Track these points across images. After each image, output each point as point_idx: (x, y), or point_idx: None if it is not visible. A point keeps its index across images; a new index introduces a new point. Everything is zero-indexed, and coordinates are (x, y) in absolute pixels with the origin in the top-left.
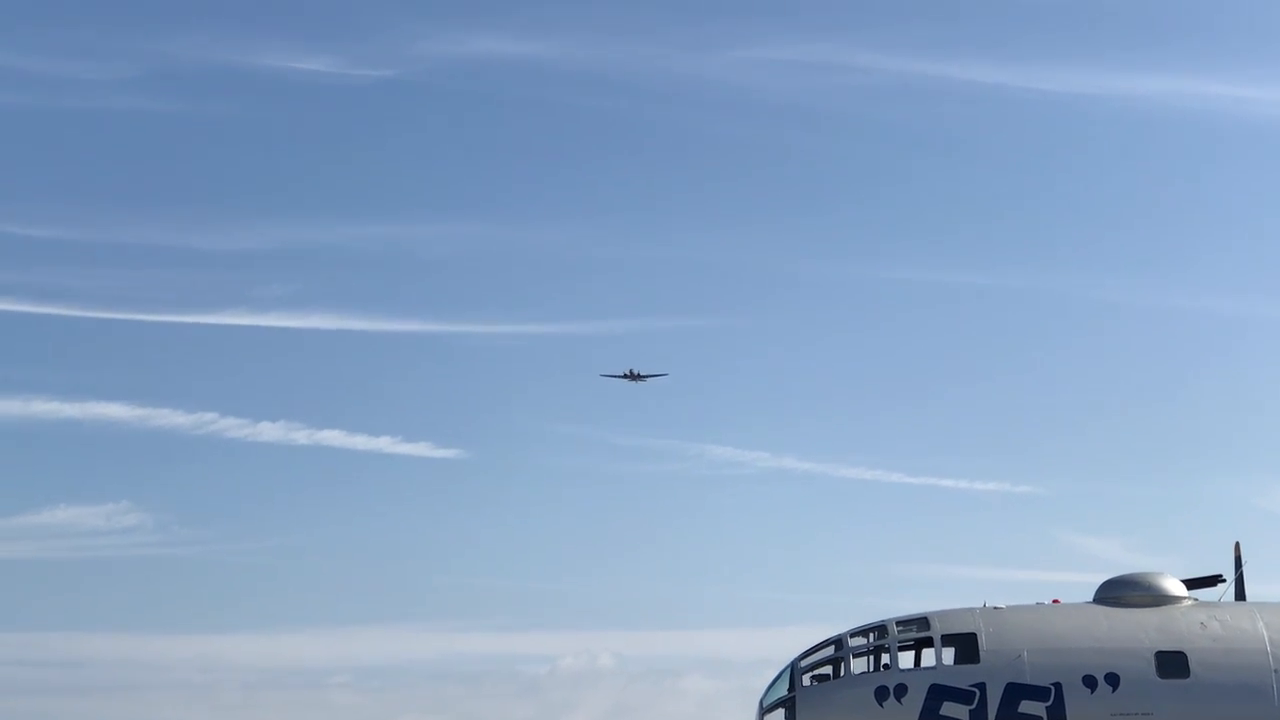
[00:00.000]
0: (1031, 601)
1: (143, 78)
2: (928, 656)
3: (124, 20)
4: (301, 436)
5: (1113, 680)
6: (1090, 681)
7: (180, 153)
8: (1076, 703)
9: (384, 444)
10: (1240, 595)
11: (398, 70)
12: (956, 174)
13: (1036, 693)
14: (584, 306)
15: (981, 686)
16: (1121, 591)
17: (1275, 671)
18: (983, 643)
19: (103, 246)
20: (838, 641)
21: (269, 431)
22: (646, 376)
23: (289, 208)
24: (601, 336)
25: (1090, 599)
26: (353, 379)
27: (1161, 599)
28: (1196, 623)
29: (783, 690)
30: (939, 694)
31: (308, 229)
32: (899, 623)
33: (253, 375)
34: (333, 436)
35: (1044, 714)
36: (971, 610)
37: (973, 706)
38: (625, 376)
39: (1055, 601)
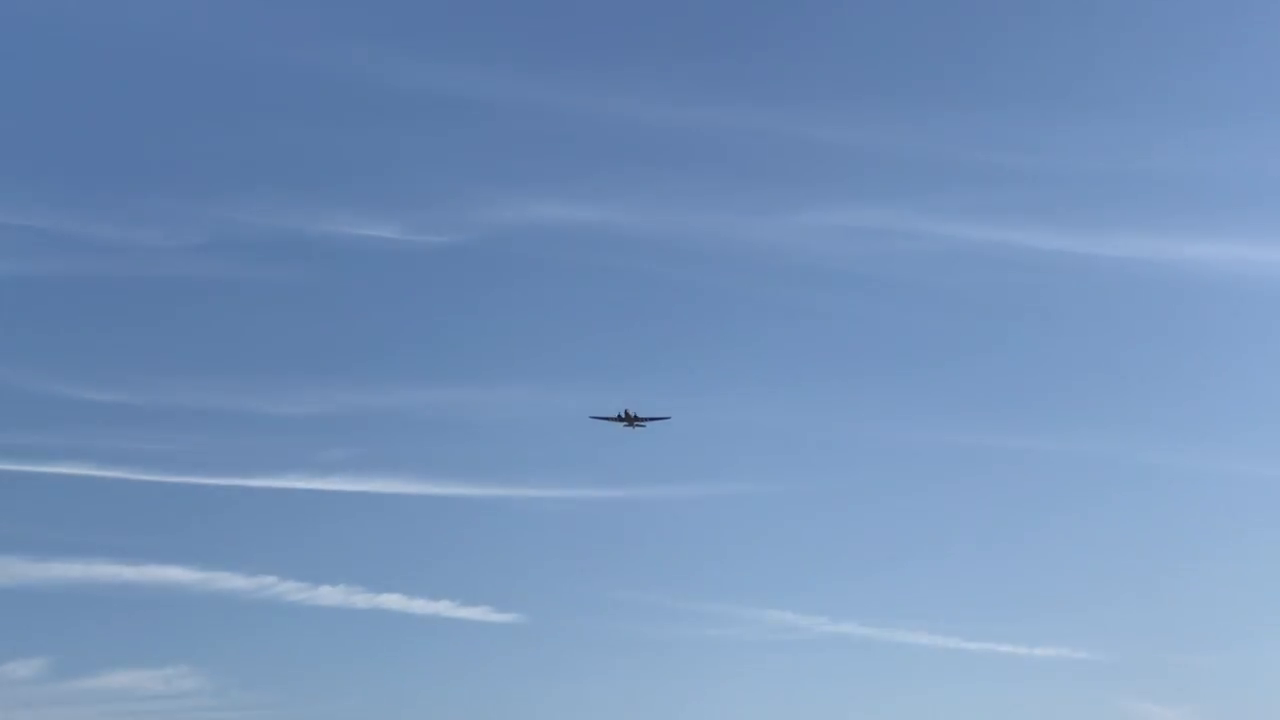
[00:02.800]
0: None
1: (209, 244)
2: None
3: (192, 188)
4: (361, 600)
5: None
6: None
7: (244, 318)
8: None
9: (443, 608)
10: None
11: (460, 236)
12: (1013, 340)
13: None
14: (641, 471)
15: None
16: None
17: None
18: None
19: (165, 411)
20: None
21: (329, 595)
22: (645, 420)
23: (351, 372)
24: (659, 501)
25: None
26: (413, 542)
27: None
28: None
29: None
30: None
31: (369, 394)
32: None
33: (313, 539)
34: (392, 600)
35: None
36: None
37: None
38: (619, 419)
39: None
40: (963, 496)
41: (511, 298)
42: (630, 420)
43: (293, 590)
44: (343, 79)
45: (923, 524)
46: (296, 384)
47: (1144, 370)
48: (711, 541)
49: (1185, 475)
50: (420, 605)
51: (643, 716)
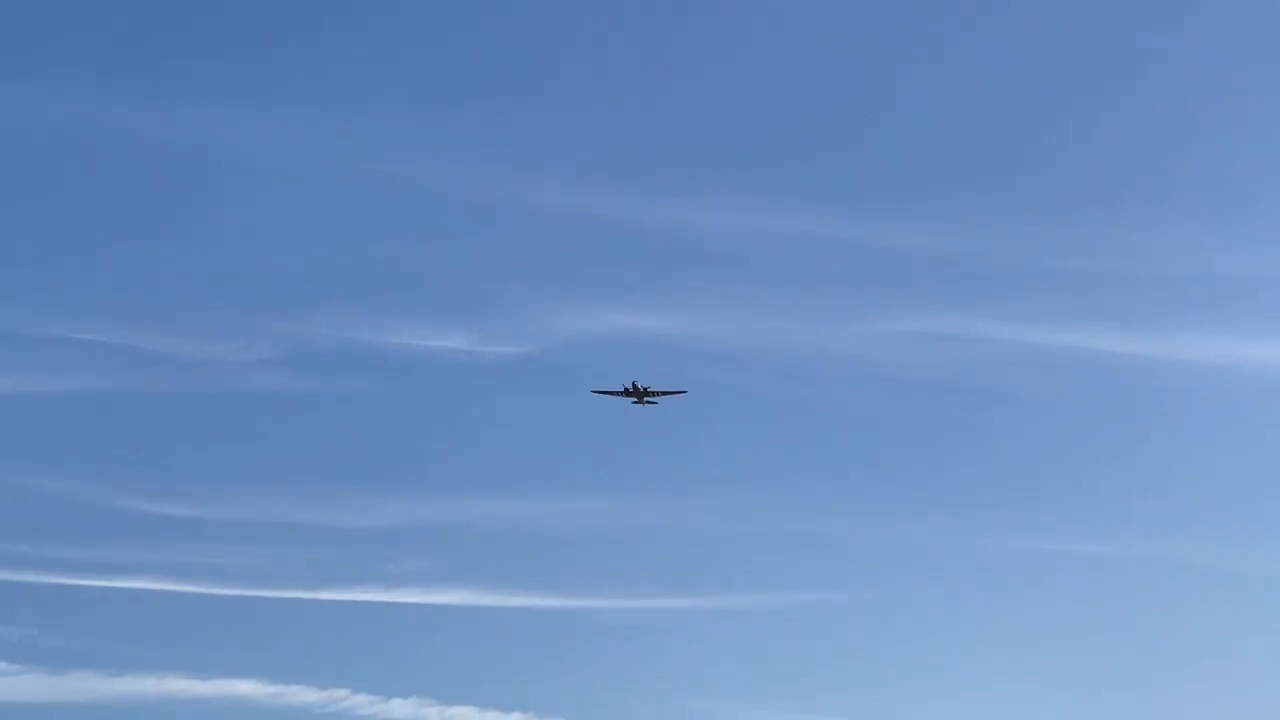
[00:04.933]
0: None
1: (281, 358)
2: None
3: (263, 303)
4: (433, 713)
5: None
6: None
7: (315, 430)
8: None
9: None
10: None
11: (527, 346)
12: (1078, 444)
13: None
14: (709, 581)
15: None
16: None
17: None
18: None
19: (237, 524)
20: None
21: (400, 708)
22: (658, 394)
23: (422, 485)
24: (730, 611)
25: None
26: (485, 654)
27: None
28: None
29: None
30: None
31: (440, 506)
32: None
33: (385, 651)
34: (464, 713)
35: None
36: None
37: None
38: (626, 394)
39: None
40: (1032, 607)
41: (579, 408)
42: (639, 395)
43: (365, 704)
44: (409, 191)
45: (993, 634)
46: (368, 496)
47: (1224, 474)
48: (779, 651)
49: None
50: (493, 718)
51: None
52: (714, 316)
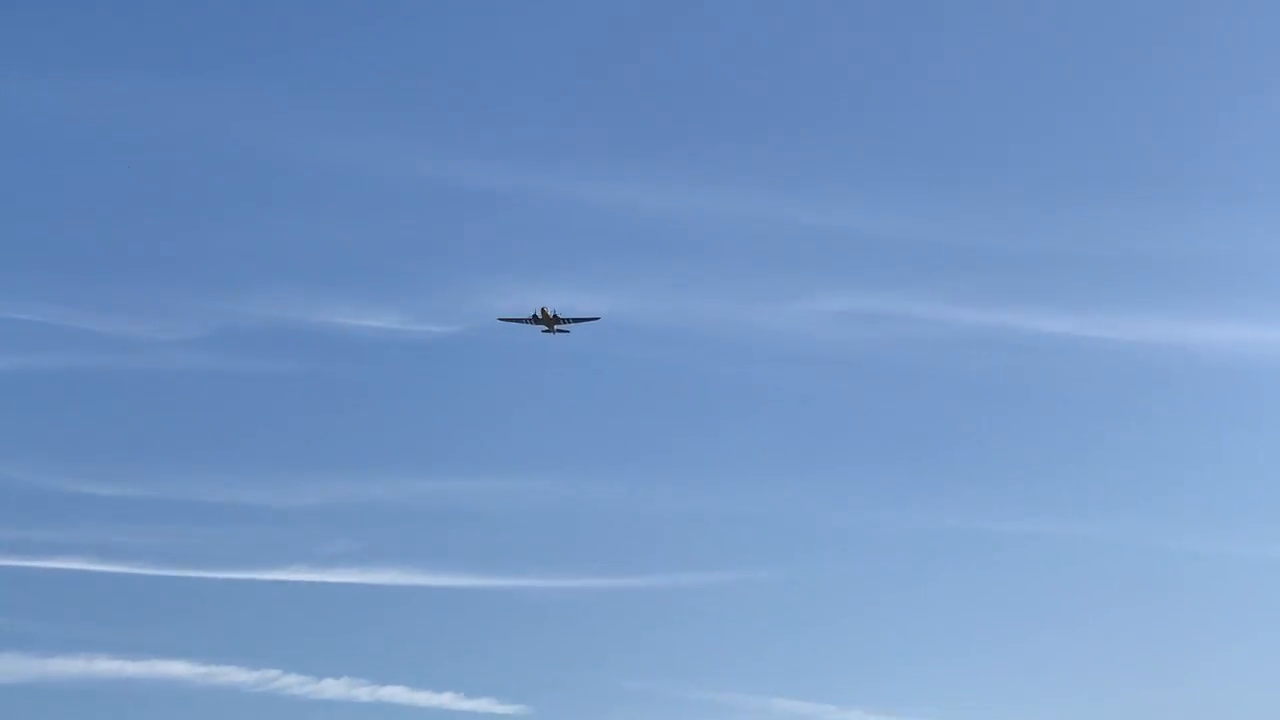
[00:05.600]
0: None
1: (209, 337)
2: None
3: (191, 282)
4: (364, 693)
5: None
6: None
7: (244, 410)
8: None
9: (447, 700)
10: None
11: (461, 325)
12: (1020, 424)
13: None
14: (646, 561)
15: None
16: None
17: None
18: None
19: (166, 504)
20: None
21: (332, 688)
22: (568, 321)
23: (353, 464)
24: (665, 590)
25: None
26: (416, 635)
27: None
28: None
29: None
30: None
31: (371, 485)
32: None
33: (316, 632)
34: (396, 693)
35: None
36: None
37: None
38: (534, 321)
39: None
40: (968, 583)
41: (513, 387)
42: (549, 322)
43: (295, 684)
44: (339, 169)
45: (929, 611)
46: (298, 476)
47: (1153, 453)
48: (718, 630)
49: (1199, 559)
50: (424, 698)
51: None
52: (647, 295)
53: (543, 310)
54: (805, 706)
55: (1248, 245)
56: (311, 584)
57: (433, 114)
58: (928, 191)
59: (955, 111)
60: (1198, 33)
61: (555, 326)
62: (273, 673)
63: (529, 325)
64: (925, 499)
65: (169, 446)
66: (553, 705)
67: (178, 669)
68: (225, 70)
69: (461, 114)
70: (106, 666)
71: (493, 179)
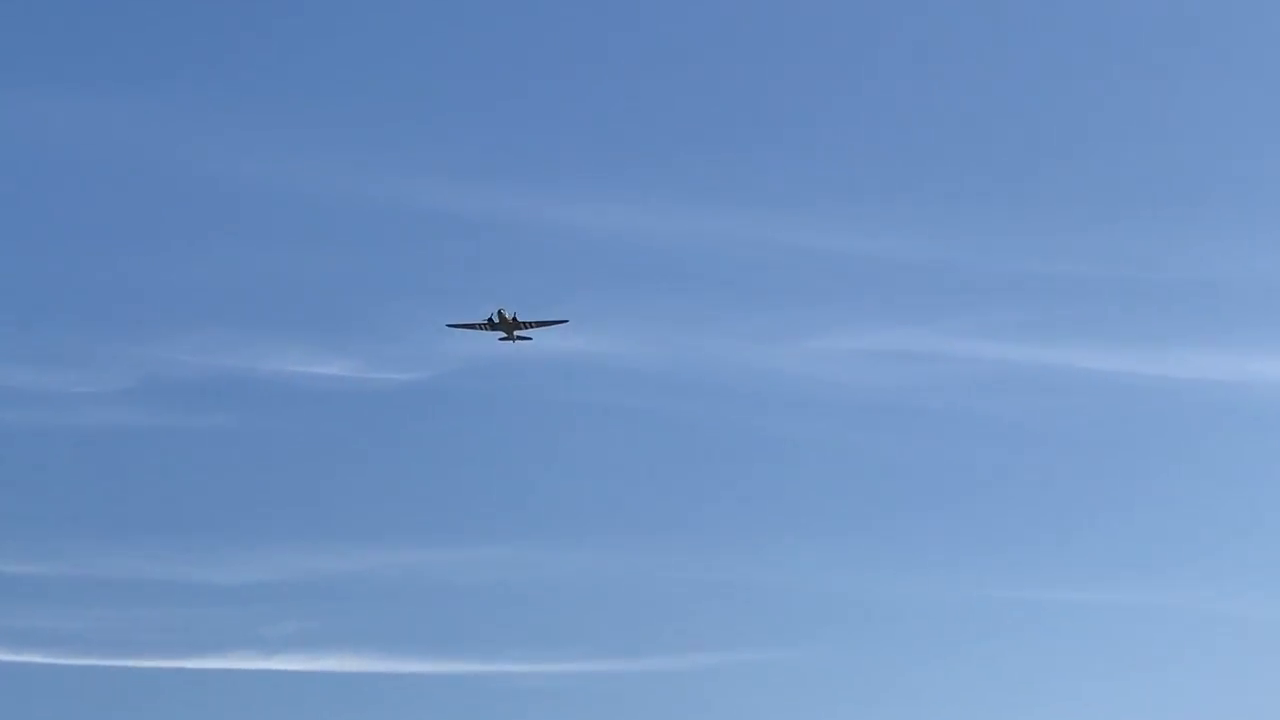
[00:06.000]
0: None
1: (136, 388)
2: None
3: (116, 324)
4: None
5: None
6: None
7: (177, 474)
8: None
9: None
10: None
11: (425, 372)
12: (1075, 475)
13: None
14: (640, 640)
15: None
16: None
17: None
18: None
19: (87, 583)
20: None
21: None
22: (532, 324)
23: (303, 534)
24: (660, 674)
25: None
26: None
27: None
28: None
29: None
30: None
31: (324, 557)
32: None
33: None
34: None
35: None
36: None
37: None
38: (490, 326)
39: None
40: (1020, 659)
41: (487, 442)
42: (509, 326)
43: None
44: (279, 194)
45: (976, 693)
46: (239, 548)
47: (1221, 506)
48: (721, 717)
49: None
50: None
51: None
52: (636, 334)
53: (500, 313)
54: None
55: None
56: (256, 672)
57: (391, 127)
58: (959, 211)
59: (987, 120)
60: (1270, 26)
61: (515, 333)
62: None
63: (483, 331)
64: (968, 564)
65: (89, 516)
66: None
67: None
68: (150, 80)
69: (423, 127)
70: None
71: (460, 201)
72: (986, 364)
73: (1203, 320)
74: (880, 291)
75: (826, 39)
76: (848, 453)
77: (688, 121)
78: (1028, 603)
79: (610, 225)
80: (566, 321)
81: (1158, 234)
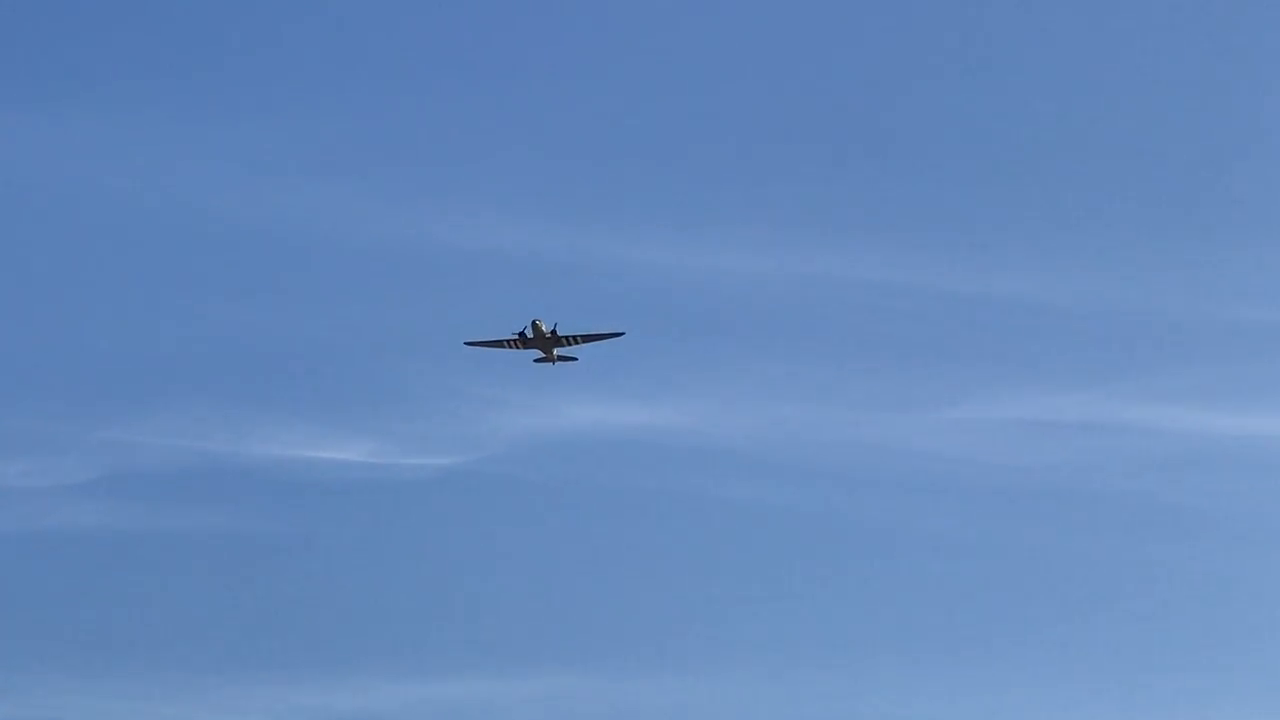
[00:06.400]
0: None
1: (97, 480)
2: None
3: (72, 400)
4: None
5: None
6: None
7: (149, 586)
8: None
9: None
10: None
11: (459, 456)
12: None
13: None
14: None
15: None
16: None
17: None
18: None
19: None
20: None
21: None
22: (575, 340)
23: (308, 662)
24: None
25: None
26: None
27: None
28: None
29: None
30: None
31: (336, 693)
32: None
33: None
34: None
35: None
36: None
37: None
38: (519, 342)
39: None
40: None
41: (544, 544)
42: (545, 343)
43: None
44: (273, 230)
45: None
46: (231, 682)
47: None
48: None
49: None
50: None
51: None
52: (724, 403)
53: (534, 325)
54: None
55: None
56: None
57: (422, 149)
58: (1134, 247)
59: (1167, 130)
60: None
61: (555, 351)
62: None
63: (512, 350)
64: (1148, 687)
65: (41, 644)
66: None
67: None
68: (101, 96)
69: (445, 150)
70: None
71: (493, 234)
72: (1170, 437)
73: None
74: (1036, 347)
75: (960, 48)
76: (997, 550)
77: (788, 140)
78: None
79: (693, 266)
80: (622, 334)
81: None
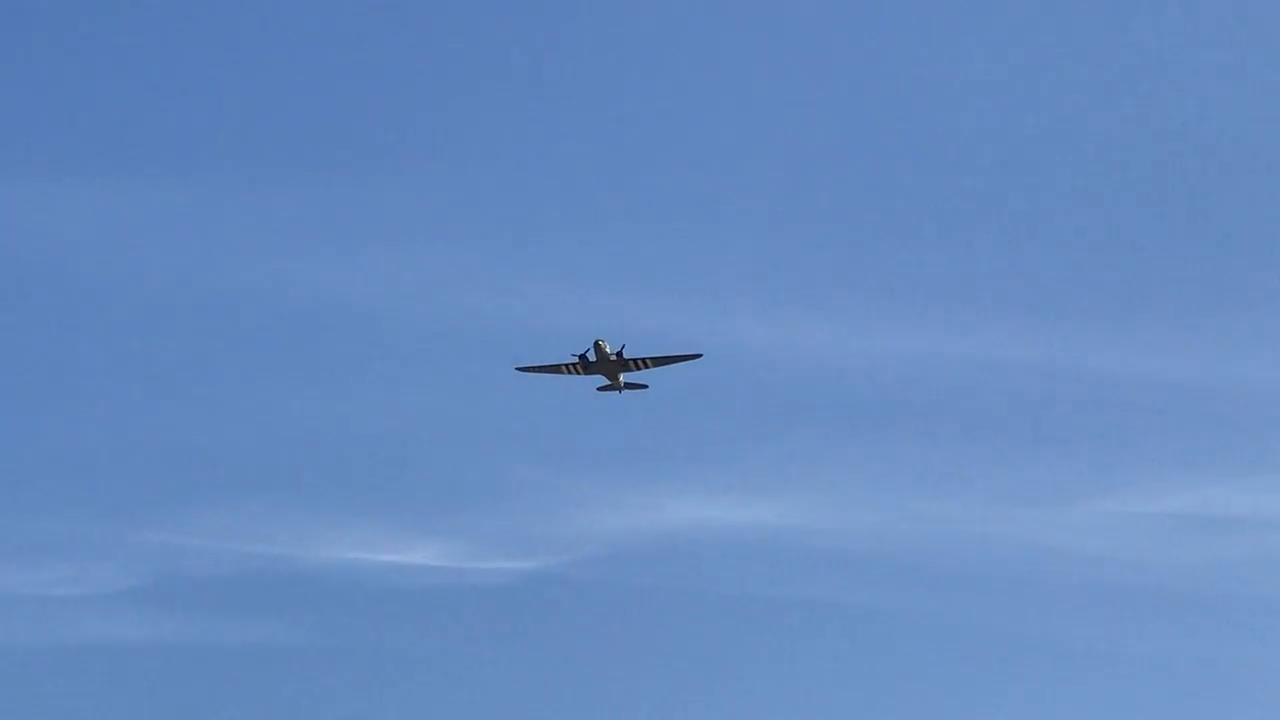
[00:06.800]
0: None
1: (141, 590)
2: None
3: (109, 500)
4: None
5: None
6: None
7: (199, 706)
8: None
9: None
10: None
11: (545, 559)
12: None
13: None
14: None
15: None
16: None
17: None
18: None
19: None
20: None
21: None
22: (645, 363)
23: None
24: None
25: None
26: None
27: None
28: None
29: None
30: None
31: None
32: None
33: None
34: None
35: None
36: None
37: None
38: (579, 367)
39: None
40: None
41: (627, 658)
42: (610, 367)
43: None
44: (351, 313)
45: None
46: None
47: None
48: None
49: None
50: None
51: None
52: (845, 497)
53: (598, 346)
54: None
55: None
56: None
57: (490, 216)
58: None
59: None
60: None
61: (621, 376)
62: None
63: (571, 375)
64: None
65: None
66: None
67: None
68: (134, 160)
69: (536, 219)
70: None
71: (588, 309)
72: None
73: None
74: (1200, 433)
75: (1125, 126)
76: (1157, 664)
77: (920, 213)
78: None
79: (803, 344)
80: (700, 356)
81: None
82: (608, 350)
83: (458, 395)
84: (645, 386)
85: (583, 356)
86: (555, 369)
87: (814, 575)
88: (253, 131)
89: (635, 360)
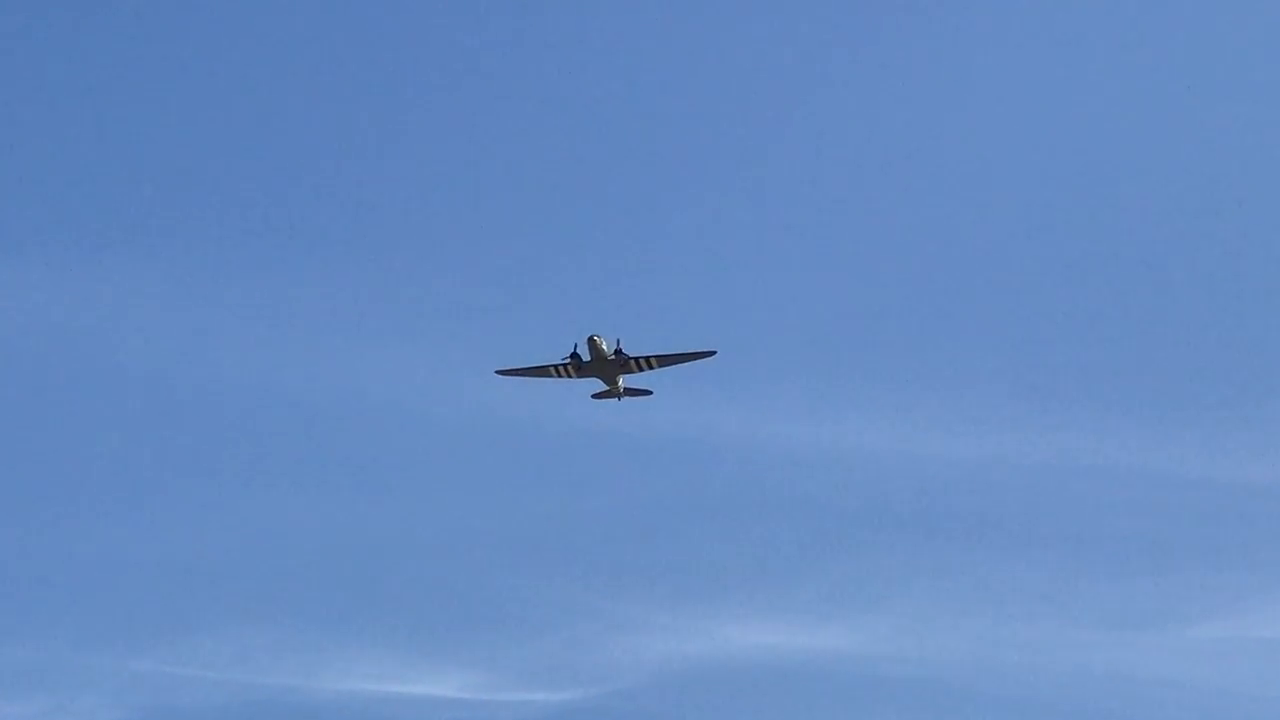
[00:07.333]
0: None
1: None
2: None
3: (96, 623)
4: None
5: None
6: None
7: None
8: None
9: None
10: None
11: (581, 690)
12: None
13: None
14: None
15: None
16: None
17: None
18: None
19: None
20: None
21: None
22: (643, 362)
23: None
24: None
25: None
26: None
27: None
28: None
29: None
30: None
31: None
32: None
33: None
34: None
35: None
36: None
37: None
38: (572, 368)
39: None
40: None
41: None
42: (606, 368)
43: None
44: (366, 412)
45: None
46: None
47: None
48: None
49: None
50: None
51: None
52: (917, 621)
53: (592, 343)
54: None
55: None
56: None
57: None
58: None
59: None
60: None
61: (619, 377)
62: None
63: (561, 379)
64: None
65: None
66: None
67: None
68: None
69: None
70: None
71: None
72: None
73: None
74: None
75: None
76: None
77: (984, 299)
78: None
79: (870, 447)
80: (714, 353)
81: None
82: (604, 348)
83: (478, 501)
84: (649, 392)
85: (574, 356)
86: (543, 371)
87: (888, 712)
88: (254, 217)
89: (636, 360)
